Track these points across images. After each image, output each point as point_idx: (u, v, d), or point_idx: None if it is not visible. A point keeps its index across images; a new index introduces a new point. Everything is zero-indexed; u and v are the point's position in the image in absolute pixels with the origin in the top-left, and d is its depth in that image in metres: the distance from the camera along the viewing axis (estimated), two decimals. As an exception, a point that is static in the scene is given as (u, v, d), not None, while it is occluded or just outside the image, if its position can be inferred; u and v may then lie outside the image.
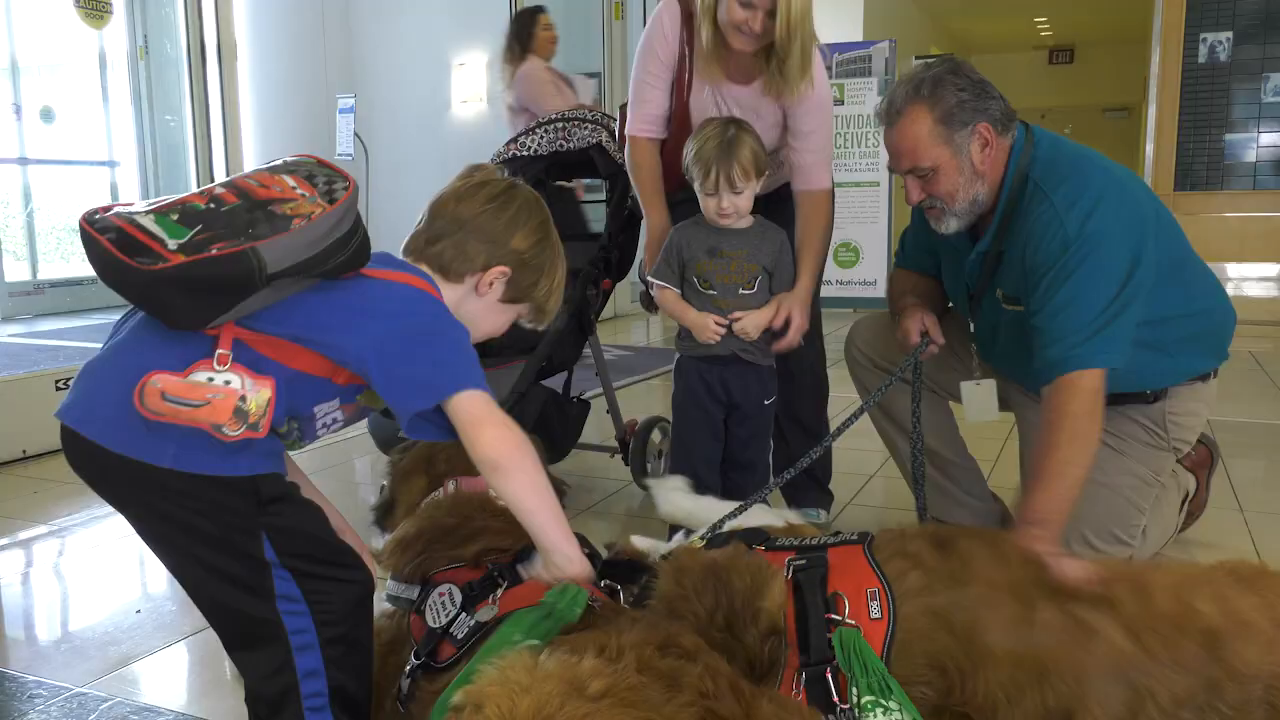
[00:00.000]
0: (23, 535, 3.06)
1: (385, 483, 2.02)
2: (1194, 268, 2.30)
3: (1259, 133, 7.63)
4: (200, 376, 1.32)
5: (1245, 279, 7.73)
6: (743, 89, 2.60)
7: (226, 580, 1.39)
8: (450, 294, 1.56)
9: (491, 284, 1.59)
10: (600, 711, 1.13)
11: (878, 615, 1.53)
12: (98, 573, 2.77)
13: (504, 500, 1.48)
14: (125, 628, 2.36)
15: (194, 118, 5.37)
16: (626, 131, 2.77)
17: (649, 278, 2.64)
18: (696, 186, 2.50)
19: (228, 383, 1.33)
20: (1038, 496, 1.91)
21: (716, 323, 2.50)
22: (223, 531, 1.38)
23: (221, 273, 1.28)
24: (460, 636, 1.52)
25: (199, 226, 1.30)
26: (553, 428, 3.15)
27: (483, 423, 1.42)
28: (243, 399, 1.33)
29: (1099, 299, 2.00)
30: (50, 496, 3.42)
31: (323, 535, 1.48)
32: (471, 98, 8.15)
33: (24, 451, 3.88)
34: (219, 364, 1.33)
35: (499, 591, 1.55)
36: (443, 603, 1.58)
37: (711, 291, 2.53)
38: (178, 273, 1.26)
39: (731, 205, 2.46)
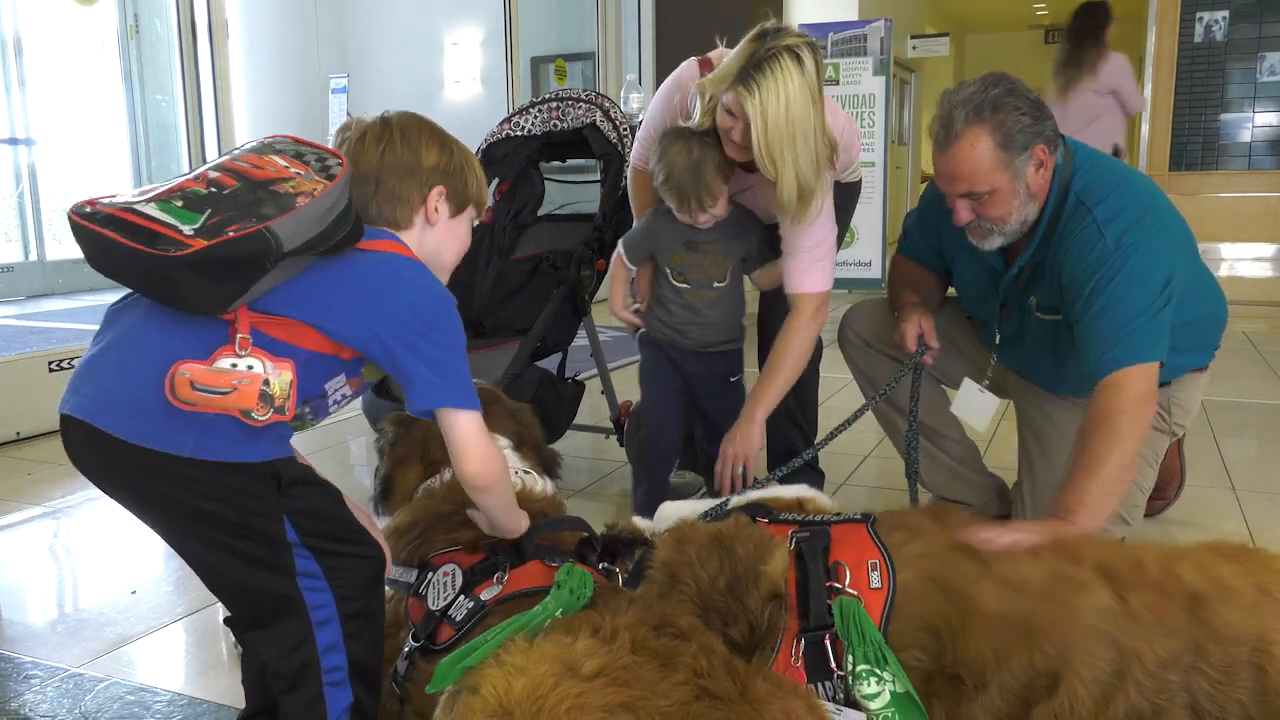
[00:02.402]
0: (17, 517, 3.06)
1: (380, 464, 2.01)
2: (1203, 275, 2.34)
3: (1254, 112, 7.62)
4: (224, 363, 1.32)
5: (1239, 259, 7.74)
6: (749, 175, 2.51)
7: (247, 562, 1.39)
8: (412, 239, 1.56)
9: (436, 208, 1.58)
10: (593, 690, 1.14)
11: (878, 585, 1.55)
12: (93, 554, 2.77)
13: (479, 508, 1.61)
14: (121, 608, 2.36)
15: (185, 97, 5.33)
16: (633, 161, 2.77)
17: (620, 245, 2.63)
18: (671, 207, 2.49)
19: (250, 368, 1.33)
20: (1066, 490, 1.92)
21: (631, 323, 2.67)
22: (243, 517, 1.38)
23: (241, 253, 1.28)
24: (459, 619, 1.54)
25: (208, 211, 1.30)
26: (547, 409, 3.14)
27: (473, 448, 1.49)
28: (266, 383, 1.33)
29: (1137, 303, 2.02)
30: (44, 478, 3.42)
31: (340, 514, 1.49)
32: (465, 77, 8.10)
33: (18, 433, 3.87)
34: (240, 349, 1.33)
35: (504, 573, 1.57)
36: (445, 583, 1.60)
37: (685, 285, 2.52)
38: (201, 257, 1.25)
39: (708, 218, 2.47)
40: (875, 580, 1.56)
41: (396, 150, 1.55)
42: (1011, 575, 1.53)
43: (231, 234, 1.27)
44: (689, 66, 2.55)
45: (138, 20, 7.29)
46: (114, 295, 1.47)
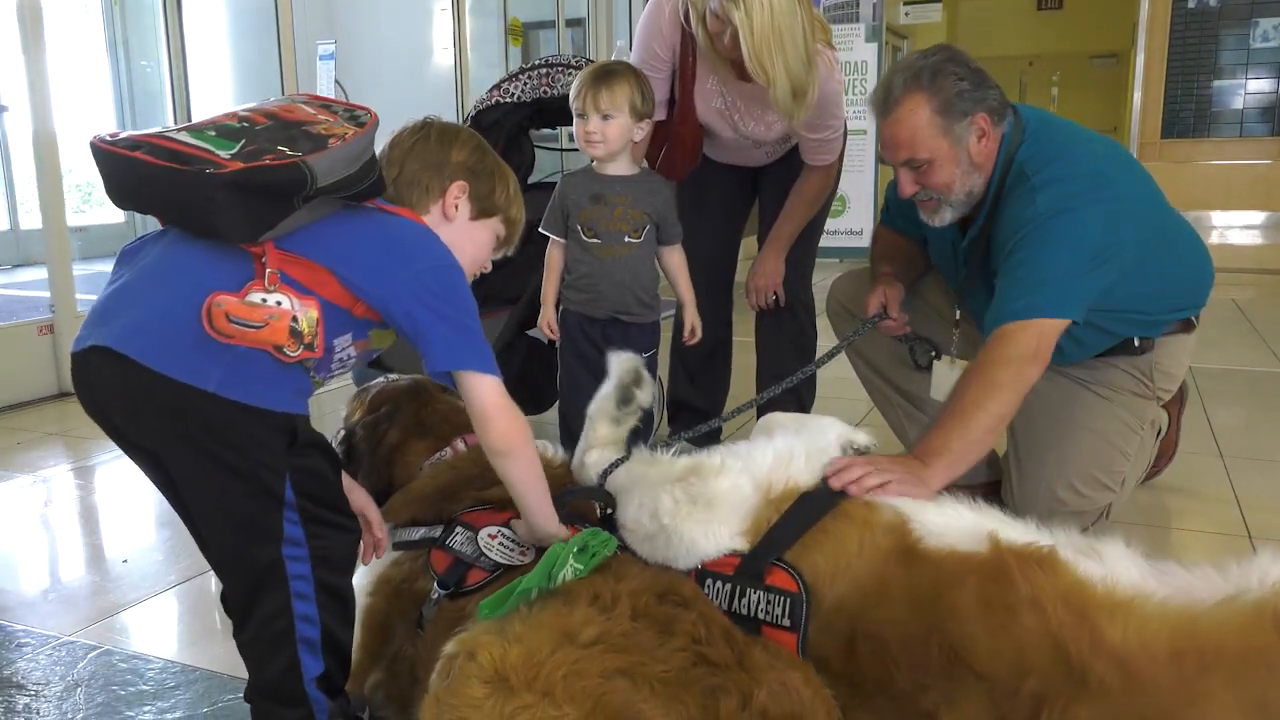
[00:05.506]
0: (7, 485, 3.05)
1: (360, 449, 1.90)
2: (1171, 240, 2.30)
3: (1247, 79, 7.60)
4: (255, 298, 1.32)
5: (1230, 227, 7.75)
6: (745, 84, 2.52)
7: (234, 524, 1.38)
8: None
9: (456, 205, 1.61)
10: (590, 657, 1.14)
11: None
12: (84, 522, 2.77)
13: (503, 479, 1.54)
14: (113, 577, 2.36)
15: (170, 64, 5.28)
16: None
17: (541, 229, 2.56)
18: (574, 112, 2.43)
19: (279, 303, 1.33)
20: (934, 432, 1.90)
21: (550, 326, 2.55)
22: (248, 465, 1.35)
23: (277, 181, 1.28)
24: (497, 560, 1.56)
25: (243, 140, 1.31)
26: (536, 378, 3.14)
27: (496, 414, 1.47)
28: (294, 319, 1.33)
29: (1056, 263, 2.00)
30: (34, 446, 3.41)
31: (337, 484, 1.49)
32: (453, 43, 8.02)
33: (7, 402, 3.85)
34: (270, 284, 1.33)
35: None
36: (499, 544, 1.60)
37: (595, 240, 2.46)
38: (238, 178, 1.25)
39: (599, 131, 2.39)
40: None
41: (429, 143, 1.63)
42: None
43: (269, 161, 1.28)
44: None
45: (122, -14, 7.20)
46: (93, 265, 1.45)
